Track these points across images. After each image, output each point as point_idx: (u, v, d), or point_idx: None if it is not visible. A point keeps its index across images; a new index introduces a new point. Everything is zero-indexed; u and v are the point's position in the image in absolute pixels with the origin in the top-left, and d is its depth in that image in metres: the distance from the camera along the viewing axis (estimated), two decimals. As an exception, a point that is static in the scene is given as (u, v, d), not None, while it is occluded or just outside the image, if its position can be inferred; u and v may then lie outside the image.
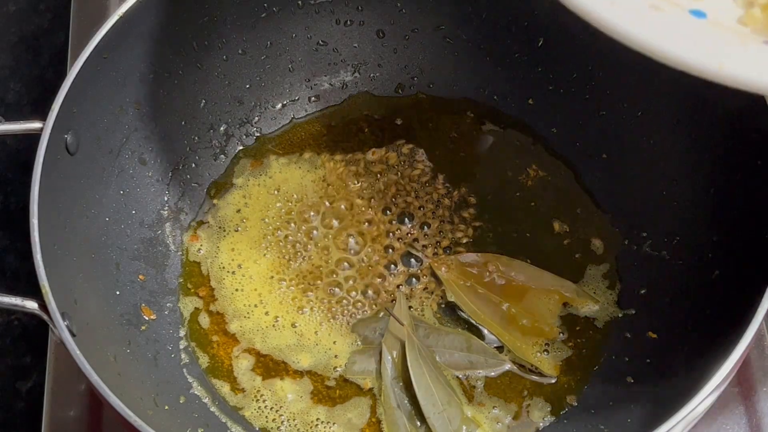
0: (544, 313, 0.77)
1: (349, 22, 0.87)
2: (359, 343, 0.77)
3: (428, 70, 0.88)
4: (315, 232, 0.82)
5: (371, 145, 0.86)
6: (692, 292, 0.72)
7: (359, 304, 0.79)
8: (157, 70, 0.78)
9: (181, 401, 0.73)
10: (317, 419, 0.73)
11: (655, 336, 0.73)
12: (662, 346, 0.72)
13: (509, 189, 0.84)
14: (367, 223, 0.82)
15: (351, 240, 0.81)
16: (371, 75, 0.89)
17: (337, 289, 0.79)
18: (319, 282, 0.79)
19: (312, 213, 0.83)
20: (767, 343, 0.78)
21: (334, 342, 0.77)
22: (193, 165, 0.84)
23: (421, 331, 0.76)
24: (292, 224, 0.82)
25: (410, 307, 0.78)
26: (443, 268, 0.80)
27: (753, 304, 0.61)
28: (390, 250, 0.81)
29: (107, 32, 0.71)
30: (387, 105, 0.89)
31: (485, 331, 0.77)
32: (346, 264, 0.80)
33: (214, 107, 0.84)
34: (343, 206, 0.83)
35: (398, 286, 0.79)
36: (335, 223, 0.82)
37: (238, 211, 0.83)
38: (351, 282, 0.79)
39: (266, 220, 0.83)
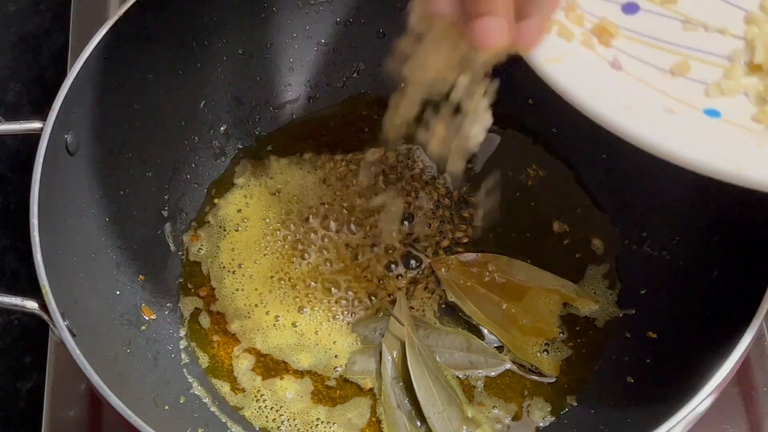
0: (544, 313, 0.77)
1: (349, 22, 0.86)
2: (359, 342, 0.77)
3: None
4: (313, 234, 0.82)
5: (371, 145, 0.86)
6: (692, 292, 0.72)
7: (359, 303, 0.79)
8: (157, 70, 0.78)
9: (181, 401, 0.73)
10: (317, 419, 0.73)
11: (655, 336, 0.73)
12: (662, 346, 0.72)
13: (509, 189, 0.84)
14: (368, 226, 0.82)
15: (351, 240, 0.81)
16: (371, 75, 0.89)
17: (335, 290, 0.79)
18: (319, 282, 0.79)
19: (312, 213, 0.83)
20: (767, 343, 0.78)
21: (335, 342, 0.77)
22: (193, 165, 0.84)
23: (421, 331, 0.76)
24: (292, 225, 0.82)
25: (411, 308, 0.78)
26: (443, 269, 0.80)
27: (753, 304, 0.61)
28: (390, 251, 0.81)
29: (107, 32, 0.71)
30: (387, 105, 0.89)
31: (485, 331, 0.77)
32: (345, 264, 0.80)
33: (214, 107, 0.84)
34: (343, 207, 0.83)
35: (398, 287, 0.79)
36: (334, 224, 0.82)
37: (239, 210, 0.83)
38: (351, 282, 0.79)
39: (267, 220, 0.83)
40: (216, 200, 0.84)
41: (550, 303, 0.78)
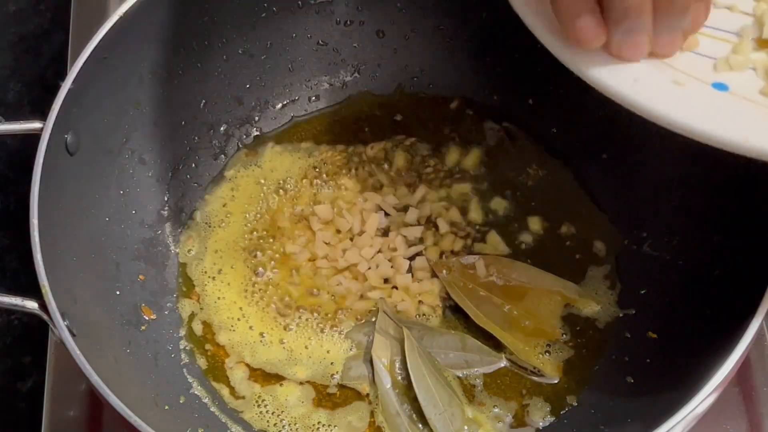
0: (545, 314, 0.77)
1: (349, 22, 0.86)
2: (354, 348, 0.76)
3: (428, 70, 0.88)
4: (299, 238, 0.82)
5: (371, 144, 0.86)
6: (692, 292, 0.72)
7: (347, 312, 0.78)
8: (157, 70, 0.78)
9: (181, 401, 0.73)
10: (318, 422, 0.73)
11: (655, 336, 0.73)
12: (662, 346, 0.72)
13: (509, 189, 0.84)
14: (367, 228, 0.82)
15: (348, 242, 0.81)
16: (371, 75, 0.89)
17: (317, 299, 0.78)
18: (294, 299, 0.78)
19: (304, 207, 0.83)
20: (767, 343, 0.78)
21: (328, 351, 0.76)
22: (193, 165, 0.84)
23: (414, 332, 0.76)
24: (270, 239, 0.81)
25: (419, 316, 0.78)
26: (444, 270, 0.79)
27: (753, 304, 0.61)
28: (389, 251, 0.81)
29: (107, 32, 0.71)
30: (387, 105, 0.89)
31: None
32: (336, 272, 0.80)
33: (214, 107, 0.84)
34: (343, 207, 0.83)
35: (380, 297, 0.78)
36: (330, 224, 0.82)
37: (224, 205, 0.83)
38: (329, 294, 0.79)
39: (247, 215, 0.82)
40: (207, 195, 0.84)
41: (552, 304, 0.77)
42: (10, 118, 0.71)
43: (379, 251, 0.80)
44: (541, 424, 0.73)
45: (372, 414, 0.74)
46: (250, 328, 0.77)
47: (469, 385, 0.74)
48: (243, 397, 0.74)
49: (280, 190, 0.84)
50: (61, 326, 0.61)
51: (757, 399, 0.76)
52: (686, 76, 0.56)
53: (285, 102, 0.88)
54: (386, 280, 0.79)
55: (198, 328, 0.77)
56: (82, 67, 0.69)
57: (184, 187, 0.83)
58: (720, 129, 0.52)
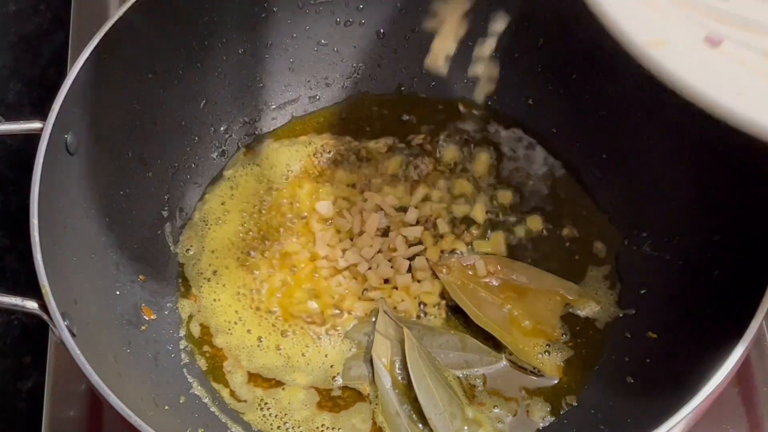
0: (545, 314, 0.77)
1: (349, 22, 0.86)
2: (354, 348, 0.76)
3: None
4: (299, 237, 0.82)
5: (371, 144, 0.86)
6: (692, 292, 0.72)
7: (346, 314, 0.78)
8: (157, 70, 0.78)
9: (181, 401, 0.73)
10: (322, 425, 0.73)
11: (655, 336, 0.73)
12: (662, 346, 0.72)
13: (509, 189, 0.84)
14: (367, 229, 0.82)
15: (347, 242, 0.81)
16: (371, 75, 0.89)
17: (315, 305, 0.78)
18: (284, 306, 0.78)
19: (303, 206, 0.83)
20: (767, 343, 0.78)
21: (326, 355, 0.76)
22: (193, 165, 0.84)
23: (414, 332, 0.76)
24: (268, 240, 0.81)
25: (420, 316, 0.78)
26: (444, 270, 0.79)
27: (753, 304, 0.61)
28: (389, 251, 0.81)
29: (107, 32, 0.70)
30: (387, 105, 0.89)
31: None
32: (339, 272, 0.80)
33: (214, 107, 0.84)
34: (343, 207, 0.83)
35: (381, 297, 0.78)
36: (330, 224, 0.82)
37: (223, 203, 0.83)
38: (344, 290, 0.79)
39: (244, 214, 0.82)
40: (206, 195, 0.84)
41: (552, 304, 0.77)
42: (10, 118, 0.71)
43: (379, 251, 0.80)
44: (541, 424, 0.73)
45: (375, 415, 0.73)
46: (248, 331, 0.77)
47: (469, 385, 0.74)
48: (245, 401, 0.74)
49: (280, 189, 0.84)
50: (61, 326, 0.61)
51: (757, 399, 0.76)
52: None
53: (285, 102, 0.88)
54: (386, 281, 0.79)
55: (196, 330, 0.77)
56: (82, 67, 0.69)
57: (183, 187, 0.83)
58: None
